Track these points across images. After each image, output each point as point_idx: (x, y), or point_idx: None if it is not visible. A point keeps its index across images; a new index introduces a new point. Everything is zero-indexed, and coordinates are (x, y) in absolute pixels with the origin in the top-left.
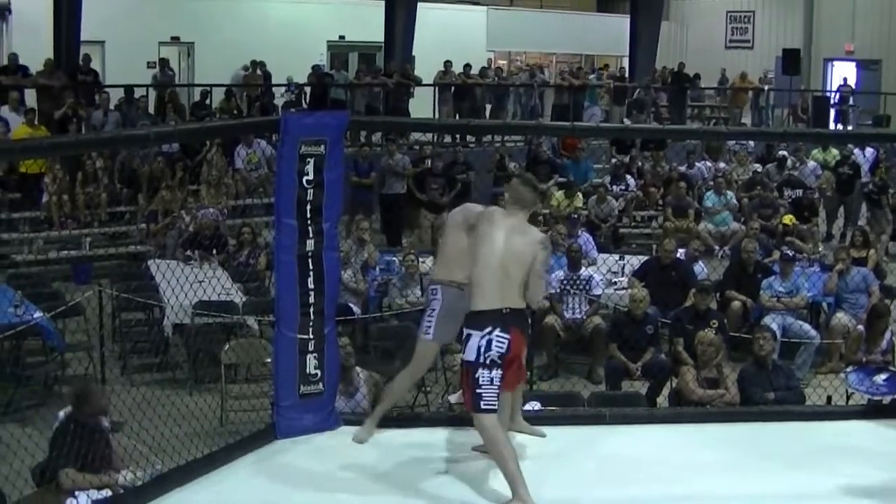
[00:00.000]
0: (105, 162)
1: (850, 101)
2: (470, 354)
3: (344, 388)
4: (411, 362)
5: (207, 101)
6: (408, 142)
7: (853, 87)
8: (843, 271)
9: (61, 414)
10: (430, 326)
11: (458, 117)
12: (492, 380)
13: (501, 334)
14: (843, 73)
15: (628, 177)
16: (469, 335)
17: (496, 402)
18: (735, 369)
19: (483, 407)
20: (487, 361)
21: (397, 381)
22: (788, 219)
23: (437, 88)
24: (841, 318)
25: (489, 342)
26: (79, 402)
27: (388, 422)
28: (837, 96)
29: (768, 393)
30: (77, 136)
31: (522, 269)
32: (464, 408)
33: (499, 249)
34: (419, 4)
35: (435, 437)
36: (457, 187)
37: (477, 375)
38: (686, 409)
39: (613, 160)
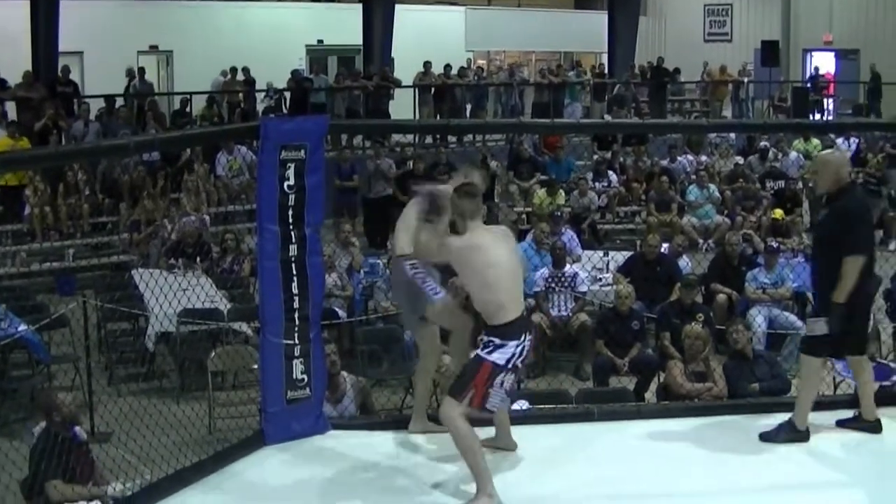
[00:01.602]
0: (86, 173)
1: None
2: (500, 359)
3: (331, 395)
4: (420, 354)
5: (188, 109)
6: (389, 144)
7: (825, 76)
8: None
9: (36, 430)
10: (431, 287)
11: (438, 118)
12: (503, 383)
13: (530, 336)
14: (823, 63)
15: (610, 172)
16: (504, 344)
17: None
18: (722, 362)
19: (487, 407)
20: (511, 367)
21: (419, 373)
22: (779, 213)
23: (417, 90)
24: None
25: (523, 349)
26: (48, 415)
27: (377, 425)
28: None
29: (753, 384)
30: (58, 147)
31: (521, 264)
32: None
33: (506, 266)
34: (397, 6)
35: (425, 440)
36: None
37: (503, 380)
38: (674, 404)
39: (595, 156)
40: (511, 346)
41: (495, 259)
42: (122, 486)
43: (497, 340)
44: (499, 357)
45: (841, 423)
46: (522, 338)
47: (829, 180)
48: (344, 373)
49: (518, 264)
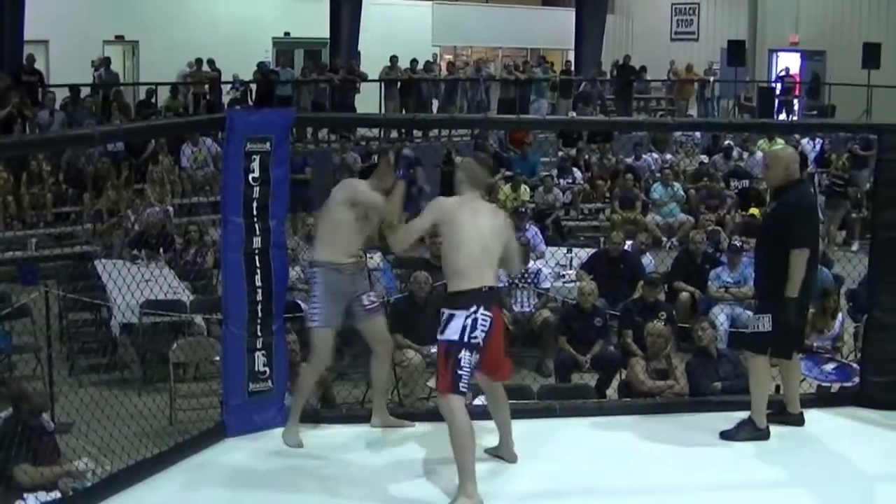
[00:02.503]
0: (50, 162)
1: (796, 92)
2: (452, 334)
3: (291, 385)
4: (310, 355)
5: (153, 100)
6: (355, 137)
7: (793, 77)
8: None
9: (2, 415)
10: (315, 313)
11: (404, 112)
12: (471, 362)
13: (485, 313)
14: (788, 63)
15: (575, 169)
16: (452, 315)
17: (468, 387)
18: (684, 360)
19: (460, 388)
20: (471, 343)
21: (302, 376)
22: (756, 211)
23: (383, 84)
24: None
25: (475, 321)
26: (16, 402)
27: (338, 418)
28: (780, 87)
29: (715, 383)
30: (21, 136)
31: (501, 245)
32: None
33: (479, 232)
34: (364, 0)
35: (384, 433)
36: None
37: (459, 356)
38: (636, 401)
39: (560, 153)
40: (460, 317)
41: (468, 224)
42: (87, 465)
43: (447, 312)
44: (451, 332)
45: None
46: (473, 309)
47: (779, 175)
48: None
49: (496, 242)
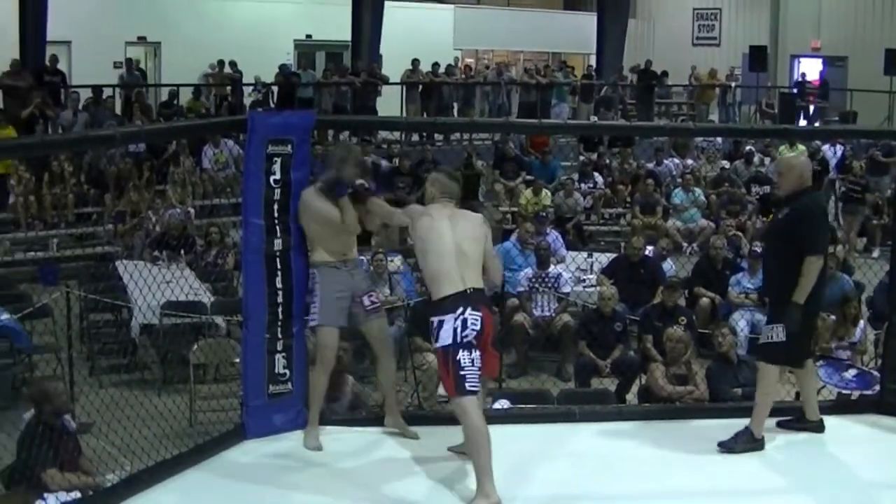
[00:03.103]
0: (71, 163)
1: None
2: (446, 339)
3: (330, 391)
4: (316, 355)
5: (175, 101)
6: (376, 141)
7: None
8: (829, 278)
9: (26, 416)
10: (314, 313)
11: (425, 116)
12: (472, 360)
13: (474, 312)
14: (810, 69)
15: (596, 174)
16: (441, 321)
17: (478, 384)
18: (704, 366)
19: (468, 388)
20: (465, 342)
21: (312, 379)
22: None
23: (404, 87)
24: None
25: (464, 322)
26: (40, 403)
27: (359, 421)
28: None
29: (735, 388)
30: (43, 136)
31: (478, 248)
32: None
33: (451, 235)
34: (386, 3)
35: (404, 436)
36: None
37: (458, 358)
38: (655, 406)
39: (581, 158)
40: (449, 321)
41: (444, 230)
42: (115, 477)
43: (435, 320)
44: (443, 338)
45: (783, 425)
46: (460, 311)
47: (792, 183)
48: (350, 378)
49: (473, 246)
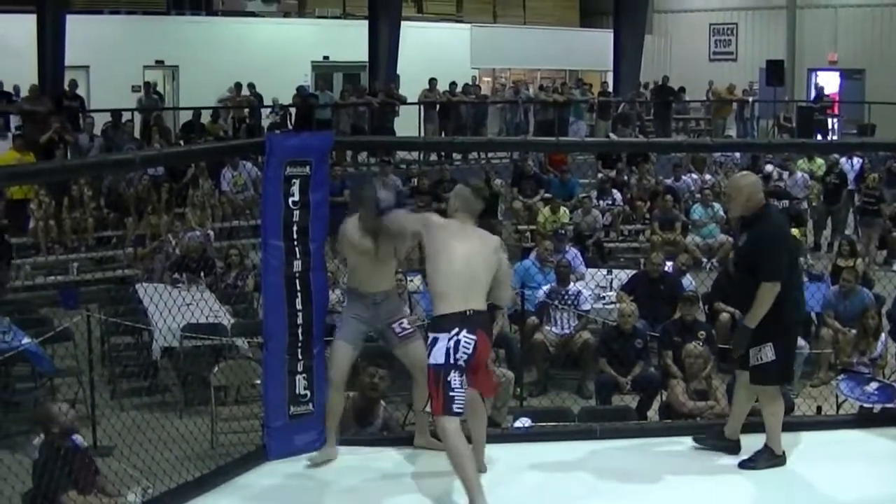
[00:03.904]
0: (91, 187)
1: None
2: (438, 357)
3: (360, 418)
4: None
5: (201, 122)
6: (394, 161)
7: (829, 96)
8: (849, 292)
9: (36, 442)
10: (337, 329)
11: (443, 135)
12: (462, 383)
13: (468, 335)
14: (827, 82)
15: (614, 191)
16: (435, 339)
17: (464, 407)
18: (725, 381)
19: (455, 410)
20: (457, 364)
21: (327, 395)
22: (796, 232)
23: (422, 107)
24: (832, 326)
25: (457, 343)
26: (46, 426)
27: (379, 440)
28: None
29: (757, 403)
30: (63, 161)
31: (490, 272)
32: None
33: (465, 256)
34: (403, 23)
35: (426, 456)
36: (443, 205)
37: (449, 379)
38: (677, 422)
39: (599, 175)
40: (443, 340)
41: (457, 248)
42: (136, 498)
43: (430, 335)
44: (436, 356)
45: (698, 441)
46: (455, 331)
47: (740, 205)
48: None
49: (483, 268)
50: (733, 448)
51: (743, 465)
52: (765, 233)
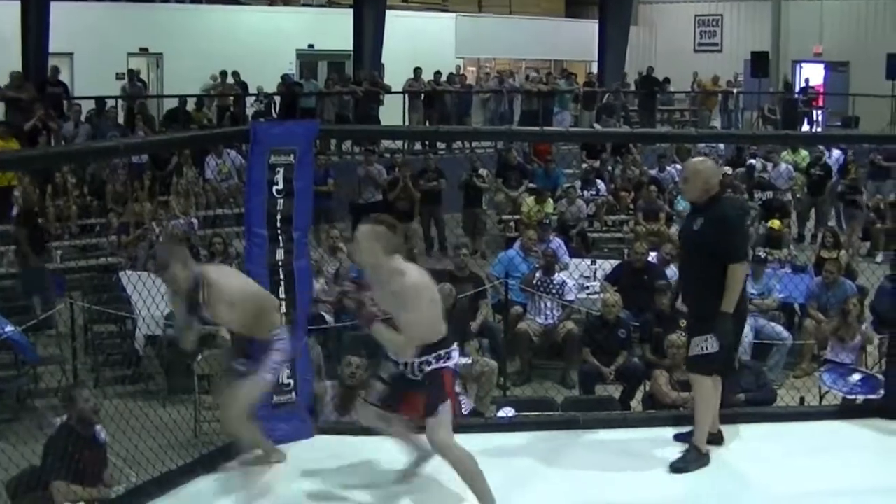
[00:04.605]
0: (75, 174)
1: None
2: (453, 363)
3: (343, 407)
4: None
5: (185, 110)
6: (378, 150)
7: (815, 88)
8: (833, 283)
9: (57, 420)
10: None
11: (428, 124)
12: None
13: (457, 350)
14: (812, 74)
15: (599, 181)
16: (449, 352)
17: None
18: None
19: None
20: (457, 371)
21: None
22: (776, 224)
23: (406, 96)
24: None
25: (453, 355)
26: (67, 407)
27: (362, 429)
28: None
29: (738, 395)
30: (47, 148)
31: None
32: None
33: (439, 299)
34: (388, 12)
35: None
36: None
37: (458, 384)
38: (660, 413)
39: (584, 165)
40: (453, 351)
41: (437, 296)
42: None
43: (442, 352)
44: (451, 363)
45: (679, 438)
46: (454, 345)
47: (698, 189)
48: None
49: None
50: (716, 440)
51: (674, 467)
52: (728, 215)
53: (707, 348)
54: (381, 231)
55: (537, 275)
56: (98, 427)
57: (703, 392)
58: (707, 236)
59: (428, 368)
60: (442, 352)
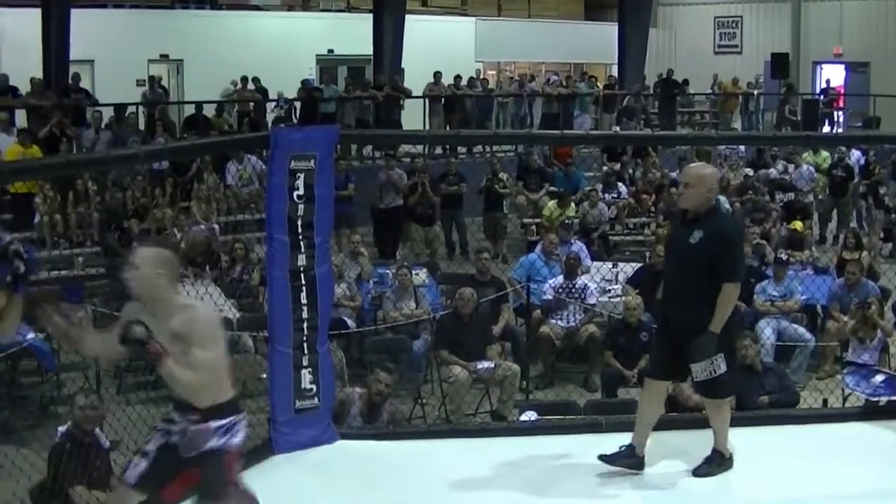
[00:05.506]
0: (96, 181)
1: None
2: (238, 441)
3: (370, 414)
4: None
5: (205, 116)
6: (398, 154)
7: (836, 89)
8: (855, 284)
9: (61, 429)
10: None
11: (448, 129)
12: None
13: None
14: (833, 75)
15: (620, 184)
16: (234, 422)
17: None
18: None
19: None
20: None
21: None
22: (798, 225)
23: (427, 100)
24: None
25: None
26: (71, 412)
27: (385, 434)
28: (823, 99)
29: (762, 397)
30: (68, 156)
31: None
32: None
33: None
34: (407, 16)
35: (432, 449)
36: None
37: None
38: (682, 416)
39: (605, 168)
40: (241, 423)
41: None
42: None
43: (226, 421)
44: (237, 439)
45: (604, 459)
46: (243, 414)
47: (701, 196)
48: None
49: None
50: (639, 465)
51: (697, 474)
52: (727, 230)
53: (715, 371)
54: (167, 257)
55: (557, 279)
56: (99, 433)
57: (716, 411)
58: (706, 251)
59: (206, 446)
60: (226, 421)
